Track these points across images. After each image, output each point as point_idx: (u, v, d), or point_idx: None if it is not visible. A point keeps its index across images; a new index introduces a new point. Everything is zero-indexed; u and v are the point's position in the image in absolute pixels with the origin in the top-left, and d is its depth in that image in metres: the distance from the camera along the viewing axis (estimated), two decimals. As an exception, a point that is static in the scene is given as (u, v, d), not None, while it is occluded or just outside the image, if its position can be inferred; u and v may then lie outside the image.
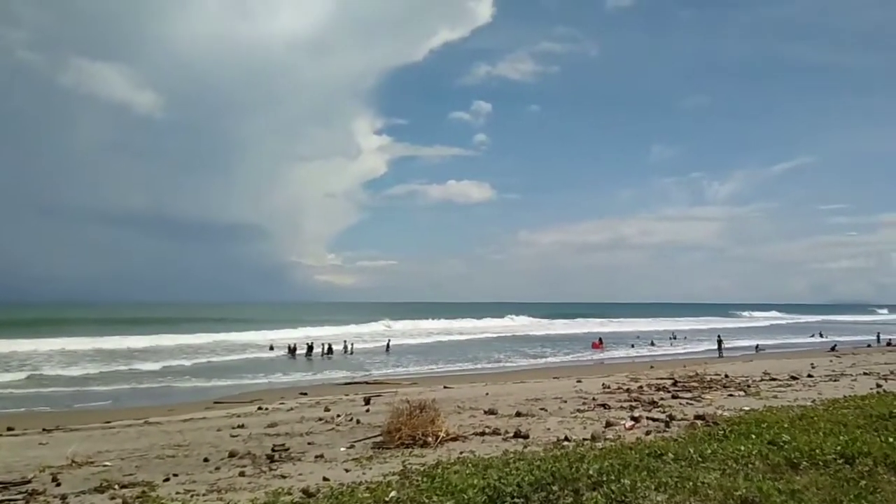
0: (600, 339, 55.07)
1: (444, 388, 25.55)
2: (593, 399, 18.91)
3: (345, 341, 49.62)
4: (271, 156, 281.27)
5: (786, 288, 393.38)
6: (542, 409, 17.19)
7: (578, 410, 16.71)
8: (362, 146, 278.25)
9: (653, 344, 55.71)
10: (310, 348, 45.99)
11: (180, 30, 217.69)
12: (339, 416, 17.74)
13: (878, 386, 20.43)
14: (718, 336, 48.69)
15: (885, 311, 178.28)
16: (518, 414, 16.21)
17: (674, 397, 18.72)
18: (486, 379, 30.01)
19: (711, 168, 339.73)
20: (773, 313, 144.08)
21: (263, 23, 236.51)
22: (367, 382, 29.93)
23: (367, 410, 18.69)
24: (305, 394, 25.32)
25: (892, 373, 25.27)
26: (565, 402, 18.57)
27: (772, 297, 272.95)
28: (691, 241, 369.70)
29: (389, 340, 53.38)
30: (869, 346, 50.11)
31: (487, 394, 21.82)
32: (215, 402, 23.86)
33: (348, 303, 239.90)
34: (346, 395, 24.24)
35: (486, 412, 16.83)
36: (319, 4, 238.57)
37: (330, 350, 46.29)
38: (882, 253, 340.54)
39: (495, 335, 67.66)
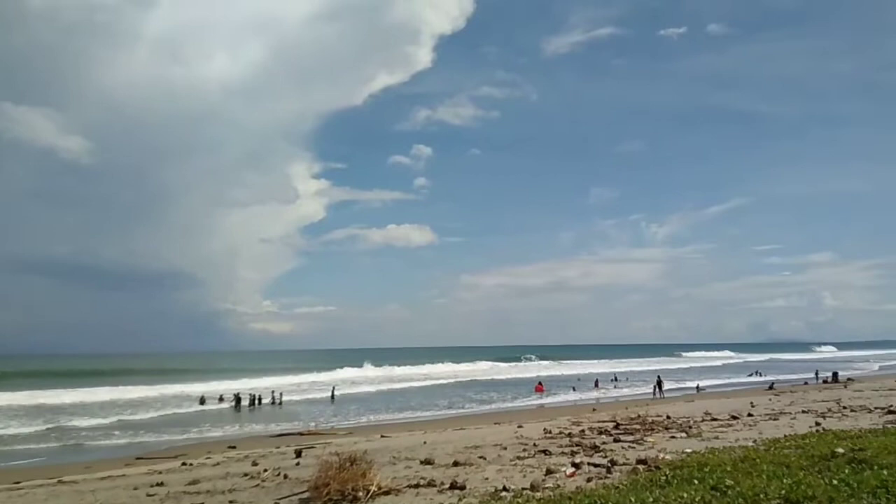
0: (540, 383, 55.15)
1: (381, 437, 25.02)
2: (534, 445, 18.65)
3: (272, 392, 48.77)
4: (205, 201, 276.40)
5: (725, 327, 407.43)
6: (480, 457, 16.79)
7: (518, 457, 16.39)
8: (300, 190, 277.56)
9: (596, 386, 56.06)
10: (238, 399, 45.26)
11: (112, 74, 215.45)
12: (266, 470, 17.00)
13: (818, 424, 20.82)
14: (658, 377, 49.39)
15: (830, 347, 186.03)
16: (456, 463, 15.83)
17: (616, 441, 18.62)
18: (426, 427, 29.52)
19: (650, 210, 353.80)
20: (726, 352, 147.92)
21: (198, 67, 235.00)
22: (300, 434, 29.24)
23: (298, 464, 18.03)
24: (234, 447, 24.54)
25: (830, 410, 25.93)
26: (505, 448, 18.27)
27: (712, 336, 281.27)
28: (632, 283, 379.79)
29: (334, 388, 52.51)
30: (806, 383, 51.75)
31: (425, 442, 21.37)
32: (137, 458, 23.01)
33: (285, 351, 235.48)
34: (278, 447, 23.50)
35: (422, 462, 16.42)
36: (256, 49, 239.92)
37: (258, 401, 45.61)
38: (813, 292, 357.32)
39: (438, 381, 67.10)
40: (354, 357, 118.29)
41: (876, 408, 25.84)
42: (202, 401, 46.85)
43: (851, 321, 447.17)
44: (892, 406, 25.78)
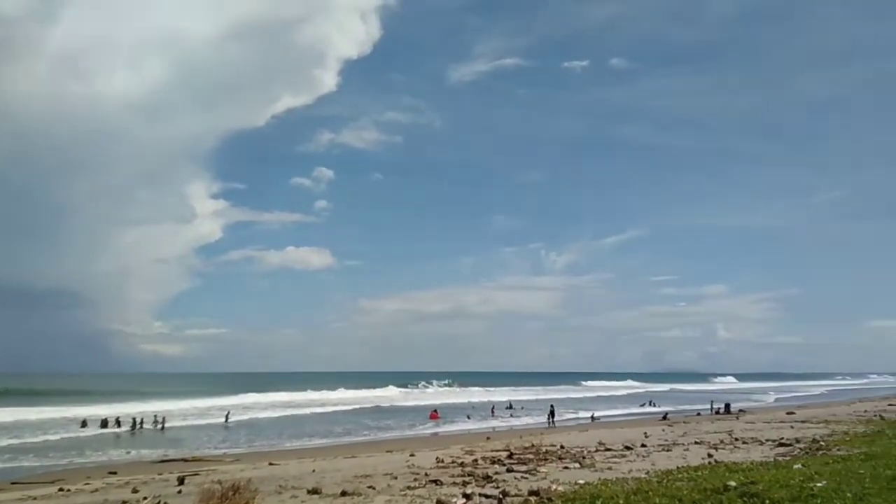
0: (435, 410, 54.78)
1: (270, 464, 24.21)
2: (425, 475, 18.31)
3: (155, 416, 47.22)
4: (98, 219, 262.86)
5: (622, 356, 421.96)
6: (370, 486, 16.45)
7: (409, 487, 16.10)
8: (197, 210, 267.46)
9: (492, 414, 56.13)
10: (119, 423, 44.46)
11: (7, 88, 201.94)
12: (146, 498, 16.33)
13: (710, 455, 21.26)
14: (551, 406, 49.78)
15: (730, 378, 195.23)
16: (344, 493, 15.49)
17: (509, 471, 18.43)
18: (316, 454, 28.66)
19: (550, 239, 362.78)
20: (629, 382, 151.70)
21: (97, 83, 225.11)
22: (185, 460, 28.24)
23: (180, 492, 17.50)
24: (115, 473, 23.68)
25: (722, 442, 26.61)
26: (396, 478, 17.92)
27: (608, 365, 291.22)
28: (531, 311, 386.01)
29: (228, 413, 50.99)
30: (699, 413, 53.50)
31: (314, 470, 20.90)
32: (13, 483, 22.11)
33: (176, 374, 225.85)
34: (160, 474, 22.57)
35: (309, 491, 16.10)
36: (158, 66, 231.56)
37: (140, 425, 44.63)
38: (708, 323, 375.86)
39: (334, 408, 65.90)
40: (248, 381, 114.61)
41: (767, 440, 26.70)
42: (84, 424, 45.01)
43: (744, 353, 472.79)
44: (783, 438, 26.69)
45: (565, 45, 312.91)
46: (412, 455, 24.60)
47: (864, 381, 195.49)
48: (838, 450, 20.65)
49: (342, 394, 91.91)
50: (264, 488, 15.87)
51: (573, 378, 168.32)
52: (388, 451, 27.76)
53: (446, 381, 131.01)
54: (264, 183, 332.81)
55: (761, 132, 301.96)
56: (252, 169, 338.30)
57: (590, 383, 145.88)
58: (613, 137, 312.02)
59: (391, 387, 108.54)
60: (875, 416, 39.76)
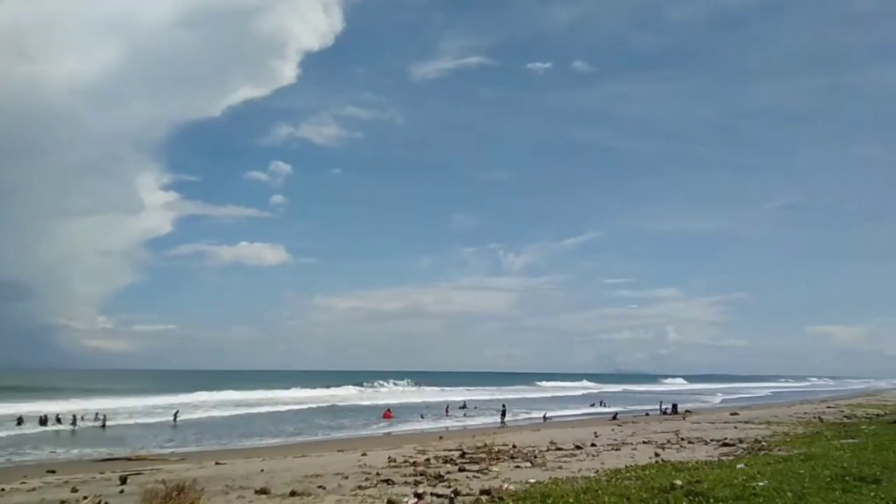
0: (389, 409, 54.66)
1: (216, 464, 23.68)
2: (377, 474, 18.28)
3: (97, 413, 45.93)
4: (41, 208, 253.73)
5: (575, 357, 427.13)
6: (320, 486, 16.34)
7: (360, 487, 16.03)
8: (146, 202, 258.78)
9: (446, 413, 56.25)
10: (58, 421, 43.33)
11: None
12: (86, 498, 15.87)
13: (657, 455, 21.79)
14: (502, 405, 50.18)
15: (680, 380, 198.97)
16: (293, 493, 15.34)
17: (461, 470, 18.57)
18: (265, 453, 28.20)
19: (509, 240, 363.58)
20: (585, 382, 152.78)
21: (44, 65, 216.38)
22: (128, 459, 27.41)
23: (122, 491, 17.06)
24: (54, 472, 22.80)
25: (669, 441, 27.28)
26: (346, 477, 17.84)
27: (563, 366, 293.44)
28: (488, 311, 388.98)
29: (177, 412, 49.53)
30: (647, 414, 54.56)
31: (263, 470, 20.58)
32: None
33: (121, 370, 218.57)
34: (101, 473, 21.89)
35: (257, 491, 15.85)
36: (110, 50, 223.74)
37: (78, 421, 43.51)
38: (659, 325, 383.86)
39: (286, 406, 64.78)
40: (198, 379, 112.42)
41: (712, 440, 27.48)
42: (20, 421, 43.49)
43: (693, 355, 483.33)
44: (726, 438, 27.48)
45: (529, 45, 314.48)
46: (364, 454, 24.49)
47: (806, 383, 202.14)
48: (779, 450, 21.36)
49: (296, 393, 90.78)
50: (210, 488, 15.66)
51: (529, 378, 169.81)
52: (339, 451, 27.55)
53: (406, 381, 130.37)
54: (218, 176, 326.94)
55: (718, 139, 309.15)
56: (206, 161, 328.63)
57: (545, 384, 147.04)
58: (575, 140, 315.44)
59: (347, 386, 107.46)
60: (814, 418, 41.11)
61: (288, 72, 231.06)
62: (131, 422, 47.09)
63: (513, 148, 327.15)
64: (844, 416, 42.67)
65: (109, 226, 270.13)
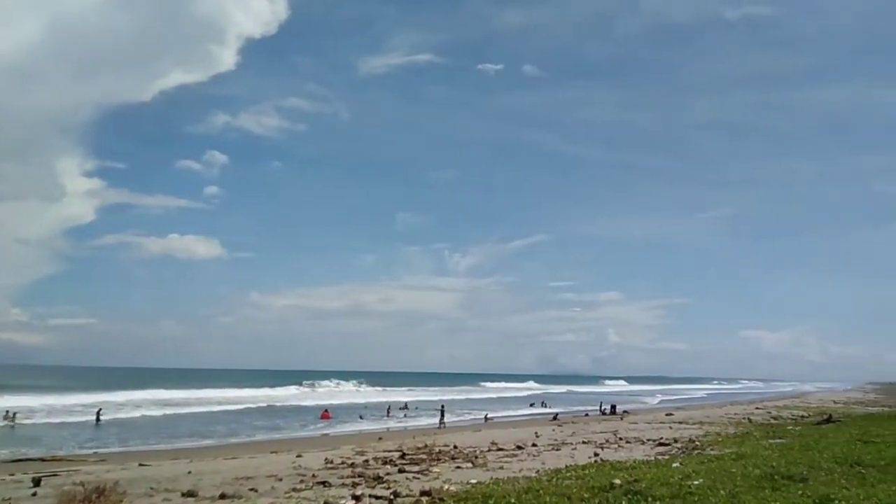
0: (327, 410, 54.10)
1: (140, 465, 22.83)
2: (313, 476, 17.93)
3: (7, 410, 43.73)
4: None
5: (518, 358, 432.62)
6: (252, 489, 15.93)
7: (294, 489, 15.71)
8: (67, 188, 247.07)
9: (387, 414, 56.06)
10: None
11: None
12: None
13: (596, 455, 22.06)
14: (441, 406, 50.25)
15: (622, 382, 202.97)
16: (223, 496, 14.90)
17: (401, 471, 18.41)
18: (194, 454, 27.36)
19: (454, 240, 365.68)
20: (531, 383, 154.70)
21: None
22: (43, 459, 26.24)
23: (35, 494, 16.28)
24: None
25: (607, 441, 27.69)
26: (281, 480, 17.46)
27: (506, 367, 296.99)
28: (432, 311, 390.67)
29: (100, 411, 47.59)
30: (587, 414, 55.51)
31: (190, 472, 19.88)
32: None
33: (35, 366, 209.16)
34: (12, 474, 20.75)
35: (184, 494, 15.33)
36: (32, 24, 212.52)
37: None
38: (600, 329, 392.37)
39: (218, 407, 63.08)
40: (122, 377, 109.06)
41: (648, 439, 28.04)
42: None
43: (633, 357, 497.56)
44: (662, 438, 28.10)
45: (481, 47, 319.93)
46: (299, 456, 24.05)
47: (738, 386, 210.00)
48: (712, 449, 21.93)
49: (230, 392, 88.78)
50: (133, 490, 15.21)
51: (474, 379, 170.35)
52: (273, 452, 26.97)
53: (353, 382, 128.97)
54: (148, 163, 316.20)
55: (661, 149, 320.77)
56: (135, 147, 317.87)
57: (491, 384, 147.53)
58: (523, 143, 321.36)
59: (286, 386, 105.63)
60: (744, 418, 42.47)
61: (227, 58, 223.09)
62: (47, 421, 45.03)
63: (461, 148, 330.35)
64: (772, 417, 44.34)
65: (27, 213, 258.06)
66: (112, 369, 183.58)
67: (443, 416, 46.90)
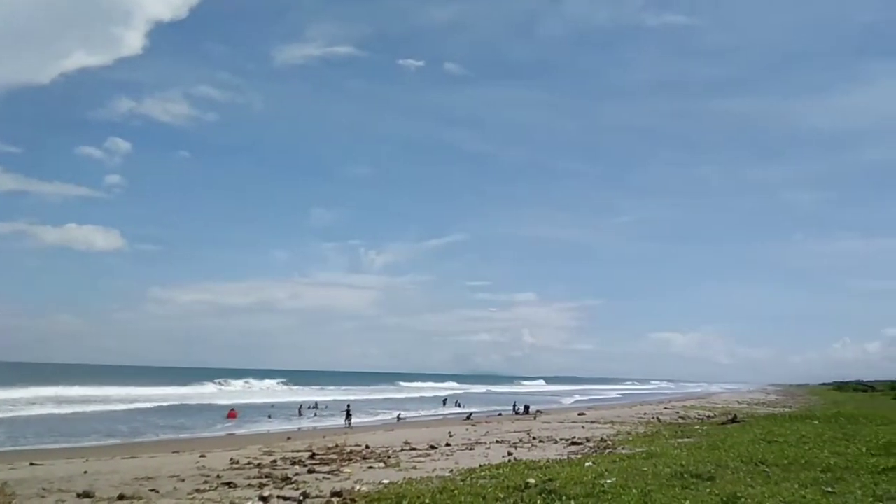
0: (233, 409, 52.76)
1: (31, 464, 21.74)
2: (217, 477, 17.46)
3: None
4: None
5: (433, 358, 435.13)
6: (153, 490, 15.44)
7: (198, 490, 15.30)
8: None
9: (299, 413, 55.26)
10: None
11: None
12: None
13: (510, 454, 22.25)
14: (347, 406, 49.76)
15: (540, 382, 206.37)
16: (121, 497, 14.41)
17: (310, 472, 18.14)
18: (89, 454, 26.09)
19: (370, 237, 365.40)
20: (451, 383, 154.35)
21: None
22: None
23: None
24: None
25: (521, 441, 28.03)
26: (183, 480, 16.96)
27: (420, 366, 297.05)
28: (346, 309, 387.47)
29: None
30: (500, 414, 56.23)
31: (86, 472, 19.11)
32: None
33: None
34: None
35: (79, 495, 14.80)
36: None
37: None
38: (515, 329, 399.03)
39: (118, 405, 59.88)
40: (10, 372, 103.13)
41: (561, 439, 28.54)
42: None
43: (547, 358, 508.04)
44: (575, 437, 28.62)
45: (402, 41, 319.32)
46: (203, 456, 23.45)
47: (649, 386, 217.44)
48: (623, 449, 22.45)
49: (131, 390, 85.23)
50: (24, 491, 14.61)
51: (392, 378, 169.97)
52: (175, 452, 26.12)
53: (275, 381, 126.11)
54: (45, 148, 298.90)
55: (579, 151, 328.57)
56: (30, 131, 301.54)
57: (408, 384, 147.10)
58: (442, 141, 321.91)
59: (192, 385, 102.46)
60: (653, 418, 43.89)
61: (133, 41, 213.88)
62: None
63: (378, 144, 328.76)
64: (680, 417, 45.96)
65: None
66: (2, 364, 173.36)
67: (349, 416, 46.30)
